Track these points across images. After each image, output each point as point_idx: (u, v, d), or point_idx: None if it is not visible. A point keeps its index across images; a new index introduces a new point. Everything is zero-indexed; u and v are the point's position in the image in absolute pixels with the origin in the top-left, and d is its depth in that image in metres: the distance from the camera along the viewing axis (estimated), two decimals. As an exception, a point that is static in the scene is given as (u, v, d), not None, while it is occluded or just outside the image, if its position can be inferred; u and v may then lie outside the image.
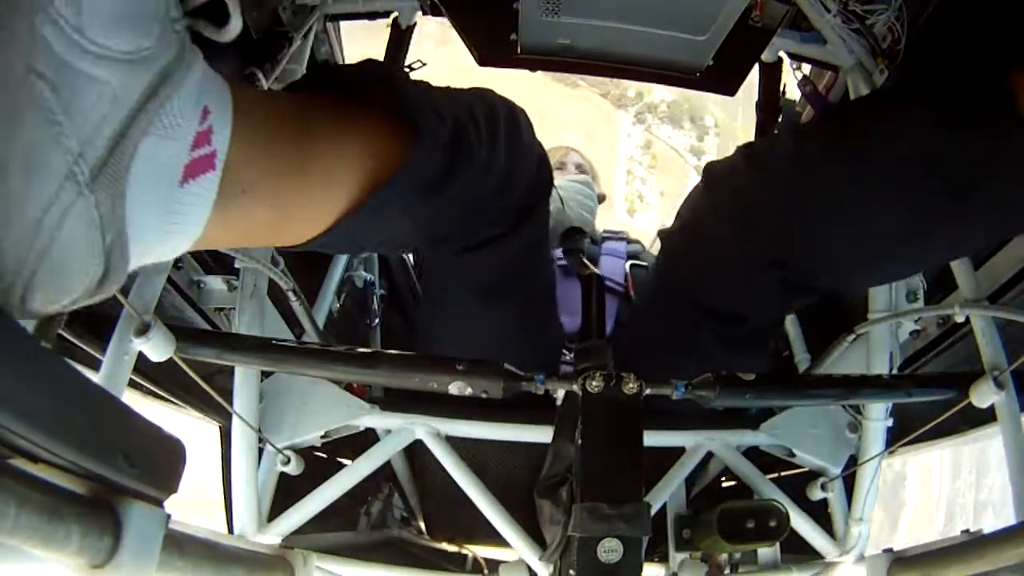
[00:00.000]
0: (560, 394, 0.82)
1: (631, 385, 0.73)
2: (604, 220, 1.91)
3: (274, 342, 0.82)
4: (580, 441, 0.71)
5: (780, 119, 1.53)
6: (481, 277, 0.92)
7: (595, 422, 0.72)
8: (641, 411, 0.73)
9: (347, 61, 1.61)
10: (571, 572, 0.69)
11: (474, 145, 0.72)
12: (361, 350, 0.76)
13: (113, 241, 0.39)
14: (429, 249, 0.89)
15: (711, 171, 1.03)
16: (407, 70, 1.15)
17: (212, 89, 0.45)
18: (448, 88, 0.80)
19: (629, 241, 1.72)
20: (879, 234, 0.82)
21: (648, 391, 0.75)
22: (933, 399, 0.90)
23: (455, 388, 0.73)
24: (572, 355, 1.52)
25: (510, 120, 0.84)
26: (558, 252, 1.52)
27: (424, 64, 0.82)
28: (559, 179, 1.58)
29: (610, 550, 0.65)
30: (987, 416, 0.89)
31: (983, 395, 0.86)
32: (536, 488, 0.84)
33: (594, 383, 0.73)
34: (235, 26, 0.45)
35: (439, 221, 0.75)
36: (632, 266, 1.57)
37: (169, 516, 0.46)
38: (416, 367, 0.75)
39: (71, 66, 0.35)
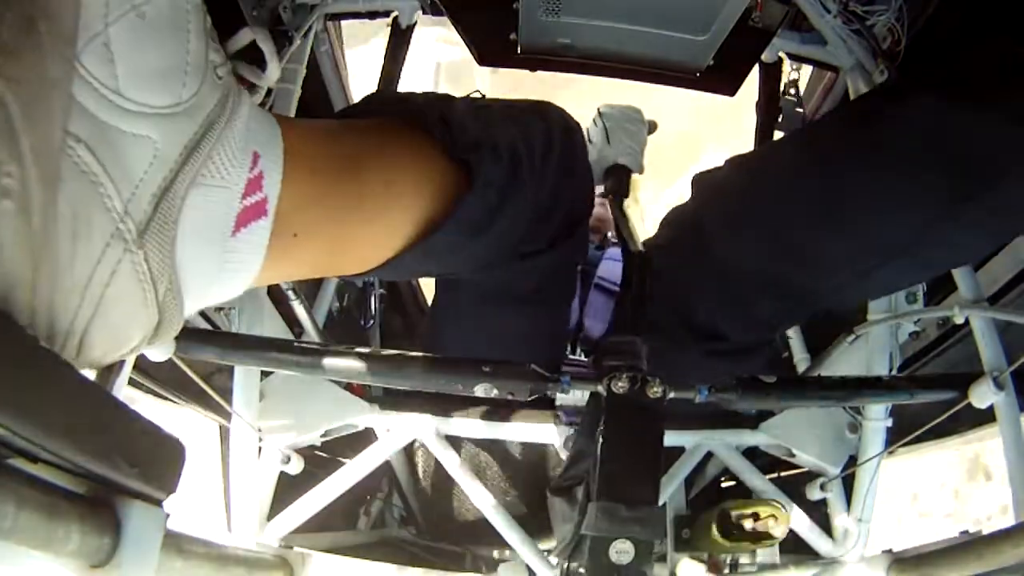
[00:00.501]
0: (574, 395, 0.81)
1: (655, 389, 0.72)
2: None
3: (294, 343, 0.81)
4: (600, 441, 0.70)
5: (780, 119, 1.53)
6: (505, 287, 0.91)
7: (617, 423, 0.71)
8: (663, 415, 0.73)
9: (346, 61, 1.61)
10: (580, 571, 0.69)
11: (526, 178, 0.71)
12: (386, 352, 0.75)
13: (166, 292, 0.39)
14: (463, 275, 0.87)
15: (700, 182, 1.01)
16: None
17: (260, 131, 0.44)
18: (507, 106, 0.78)
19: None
20: (878, 241, 0.80)
21: (672, 395, 0.74)
22: (934, 400, 0.90)
23: (481, 390, 0.73)
24: (575, 352, 1.52)
25: (565, 140, 0.82)
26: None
27: (483, 96, 0.80)
28: (604, 106, 1.40)
29: (622, 551, 0.65)
30: (987, 416, 0.89)
31: (983, 396, 0.86)
32: (551, 485, 0.84)
33: (620, 384, 0.72)
34: (273, 73, 0.45)
35: (484, 254, 0.74)
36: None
37: (168, 516, 0.46)
38: (442, 369, 0.74)
39: (109, 126, 0.35)
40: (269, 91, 1.02)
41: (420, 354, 0.76)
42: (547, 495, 0.84)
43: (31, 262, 0.32)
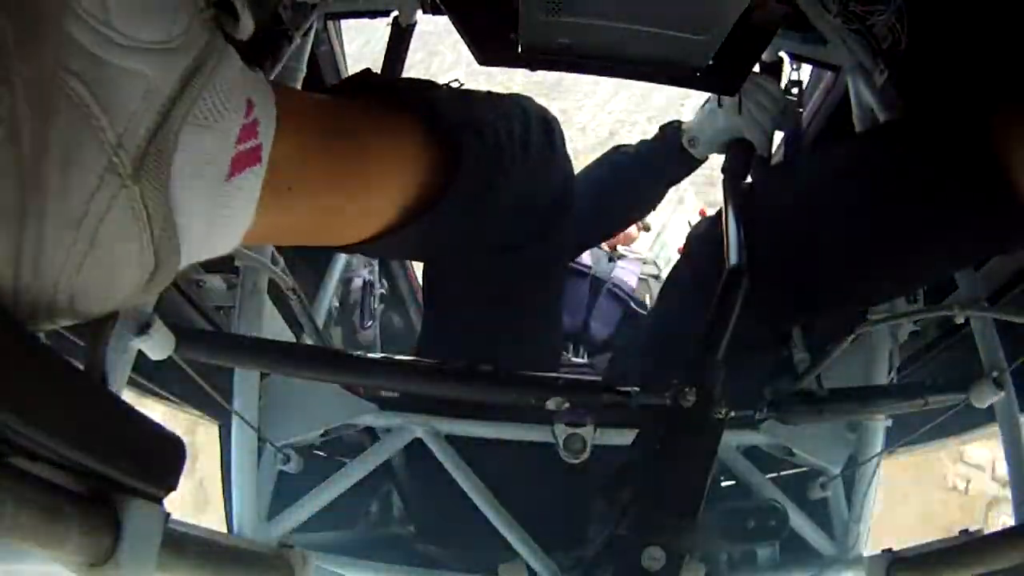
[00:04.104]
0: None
1: (720, 410, 0.74)
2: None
3: (313, 349, 0.82)
4: (658, 447, 0.71)
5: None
6: (493, 283, 0.92)
7: (676, 435, 0.72)
8: (720, 436, 0.74)
9: (347, 60, 1.61)
10: (608, 572, 0.69)
11: (509, 163, 0.72)
12: (450, 364, 0.76)
13: (161, 233, 0.39)
14: (448, 262, 0.88)
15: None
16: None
17: (254, 83, 0.45)
18: (486, 94, 0.80)
19: (644, 262, 1.73)
20: (870, 266, 0.85)
21: (734, 414, 0.75)
22: (941, 402, 0.90)
23: (553, 404, 0.74)
24: (578, 353, 1.52)
25: (544, 130, 0.84)
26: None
27: (462, 85, 0.82)
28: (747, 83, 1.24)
29: (653, 558, 0.65)
30: (987, 417, 0.89)
31: (982, 396, 0.86)
32: (598, 484, 0.85)
33: (688, 399, 0.73)
34: (247, 24, 0.45)
35: (469, 235, 0.76)
36: (642, 280, 1.58)
37: (168, 515, 0.46)
38: (516, 385, 0.75)
39: (102, 60, 0.36)
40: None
41: (488, 367, 0.77)
42: (592, 496, 0.85)
43: (19, 189, 0.32)
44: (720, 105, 1.21)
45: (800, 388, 0.78)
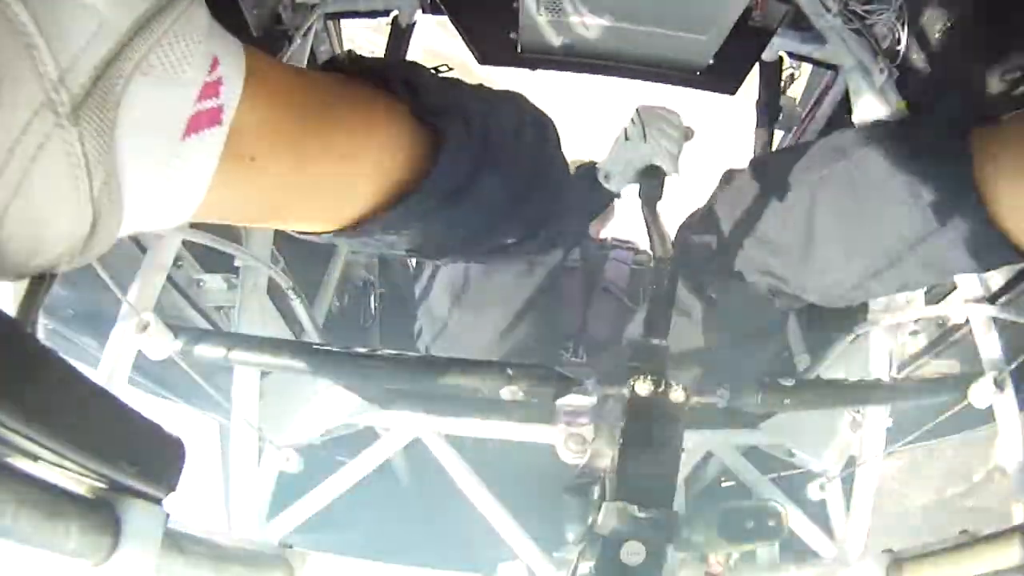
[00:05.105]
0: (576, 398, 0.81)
1: (678, 393, 0.73)
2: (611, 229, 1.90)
3: (314, 346, 0.81)
4: (620, 441, 0.71)
5: (780, 118, 1.53)
6: (490, 282, 0.92)
7: (637, 425, 0.72)
8: (683, 420, 0.74)
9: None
10: (590, 571, 0.69)
11: (498, 155, 0.69)
12: (410, 355, 0.75)
13: (102, 186, 0.36)
14: (436, 256, 0.87)
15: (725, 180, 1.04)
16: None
17: (223, 41, 0.41)
18: (477, 87, 0.78)
19: (636, 251, 1.73)
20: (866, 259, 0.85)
21: (694, 399, 0.75)
22: (934, 400, 0.90)
23: (507, 393, 0.74)
24: (577, 354, 1.52)
25: (538, 128, 0.82)
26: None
27: (451, 69, 0.80)
28: (641, 106, 1.32)
29: (633, 552, 0.65)
30: (987, 417, 0.89)
31: (982, 395, 0.86)
32: (567, 484, 0.85)
33: (644, 386, 0.73)
34: None
35: (453, 230, 0.74)
36: (633, 272, 1.58)
37: (168, 515, 0.46)
38: (468, 372, 0.74)
39: None
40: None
41: (443, 357, 0.76)
42: (562, 494, 0.85)
43: None
44: (628, 138, 1.25)
45: (768, 378, 0.78)
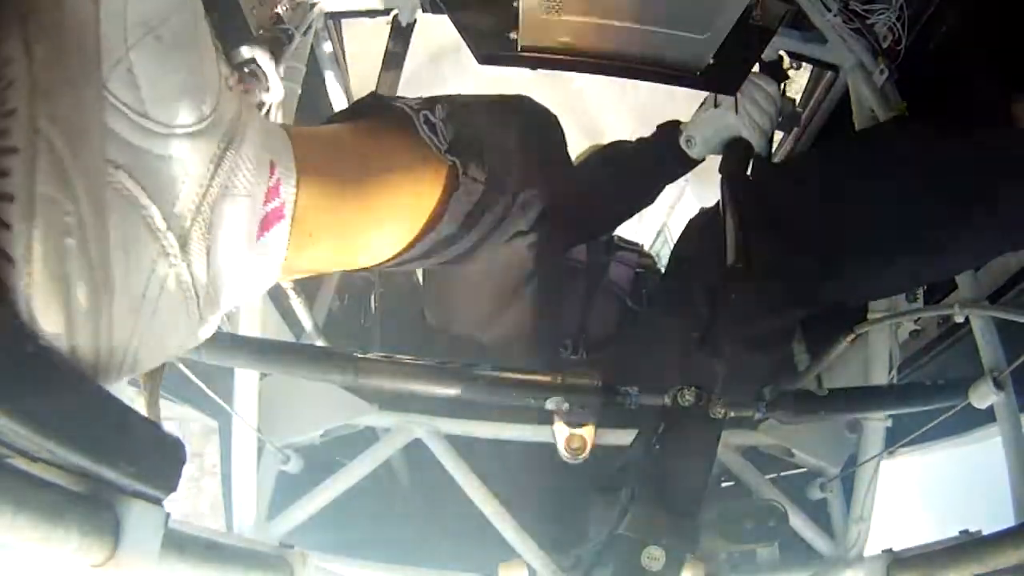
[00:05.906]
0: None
1: (718, 409, 0.75)
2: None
3: (330, 351, 0.82)
4: (656, 447, 0.72)
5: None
6: (490, 280, 0.92)
7: (675, 434, 0.73)
8: (719, 436, 0.76)
9: (348, 59, 1.61)
10: (606, 571, 0.70)
11: (509, 172, 0.76)
12: (451, 364, 0.75)
13: (206, 296, 0.43)
14: (457, 263, 0.89)
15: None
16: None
17: (274, 142, 0.48)
18: (486, 104, 0.83)
19: (641, 254, 1.73)
20: (888, 247, 0.86)
21: (732, 414, 0.76)
22: (942, 404, 0.90)
23: (552, 404, 0.75)
24: (576, 353, 1.52)
25: (541, 132, 0.87)
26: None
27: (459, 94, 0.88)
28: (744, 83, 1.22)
29: (653, 558, 0.66)
30: (987, 417, 0.89)
31: (982, 396, 0.86)
32: (597, 484, 0.86)
33: (686, 398, 0.74)
34: (276, 91, 0.48)
35: (475, 243, 0.78)
36: (638, 275, 1.57)
37: (168, 514, 0.46)
38: (515, 386, 0.75)
39: (142, 150, 0.37)
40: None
41: (488, 366, 0.76)
42: (591, 494, 0.86)
43: (93, 292, 0.35)
44: (717, 105, 1.20)
45: (799, 388, 0.79)
